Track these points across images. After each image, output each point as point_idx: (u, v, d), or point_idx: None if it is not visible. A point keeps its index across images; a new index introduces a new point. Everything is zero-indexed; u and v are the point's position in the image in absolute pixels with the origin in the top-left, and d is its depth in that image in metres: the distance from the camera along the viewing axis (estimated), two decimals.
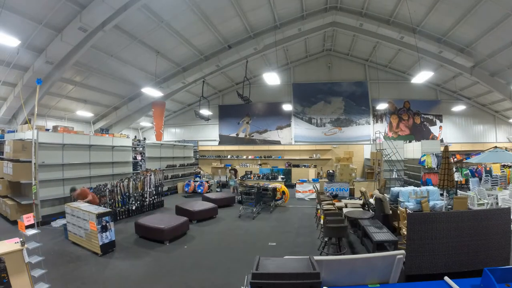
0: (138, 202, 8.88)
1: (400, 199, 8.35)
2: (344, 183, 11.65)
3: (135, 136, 17.30)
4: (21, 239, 3.17)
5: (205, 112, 14.65)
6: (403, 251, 2.15)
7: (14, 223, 6.93)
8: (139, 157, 12.16)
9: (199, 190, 12.52)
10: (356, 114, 17.08)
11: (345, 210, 6.94)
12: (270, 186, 10.33)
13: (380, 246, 4.68)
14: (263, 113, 18.22)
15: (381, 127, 16.70)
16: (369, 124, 16.95)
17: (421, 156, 10.80)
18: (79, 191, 6.74)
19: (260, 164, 17.27)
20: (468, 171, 10.43)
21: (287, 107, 16.43)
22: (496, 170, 9.97)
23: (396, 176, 11.96)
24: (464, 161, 10.53)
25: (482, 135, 16.64)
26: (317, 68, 17.38)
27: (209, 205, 8.49)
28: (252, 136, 18.38)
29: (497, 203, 7.47)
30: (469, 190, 8.78)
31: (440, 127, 16.67)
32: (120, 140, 10.55)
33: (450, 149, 9.64)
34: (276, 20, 11.89)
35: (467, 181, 10.07)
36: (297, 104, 17.62)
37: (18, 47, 8.04)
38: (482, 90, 14.37)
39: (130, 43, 10.52)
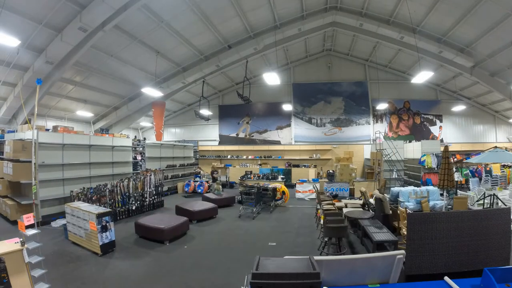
0: (138, 202, 8.88)
1: (400, 199, 8.35)
2: (344, 183, 11.65)
3: (135, 136, 17.30)
4: (21, 239, 3.16)
5: (205, 112, 14.65)
6: (403, 251, 2.15)
7: (14, 223, 6.93)
8: (139, 157, 12.15)
9: (199, 190, 12.52)
10: (356, 114, 17.09)
11: (345, 210, 6.94)
12: (270, 186, 10.33)
13: (380, 246, 4.68)
14: (263, 113, 18.22)
15: (381, 127, 16.71)
16: (369, 124, 16.95)
17: (421, 156, 10.80)
18: None
19: (260, 164, 17.27)
20: (468, 171, 10.44)
21: (287, 107, 16.43)
22: (496, 170, 9.97)
23: (396, 176, 11.95)
24: (464, 161, 10.53)
25: (482, 135, 16.64)
26: (317, 68, 17.38)
27: (209, 205, 8.48)
28: (252, 136, 18.39)
29: (497, 203, 7.46)
30: (469, 190, 8.78)
31: (440, 127, 16.68)
32: (120, 140, 10.55)
33: (450, 149, 9.64)
34: (276, 20, 11.90)
35: (467, 181, 10.07)
36: (297, 104, 17.62)
37: (18, 47, 8.04)
38: (482, 90, 14.38)
39: (130, 43, 10.52)
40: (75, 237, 5.79)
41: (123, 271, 4.69)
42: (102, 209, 5.66)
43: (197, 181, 13.07)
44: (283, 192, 10.33)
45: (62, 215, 6.88)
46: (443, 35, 11.24)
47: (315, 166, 16.49)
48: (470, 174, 10.31)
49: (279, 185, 10.65)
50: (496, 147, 9.14)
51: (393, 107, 16.90)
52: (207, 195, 10.47)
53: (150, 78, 13.13)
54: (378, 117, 17.01)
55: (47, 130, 8.72)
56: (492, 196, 6.73)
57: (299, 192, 12.01)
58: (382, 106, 15.85)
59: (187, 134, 19.62)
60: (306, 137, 17.52)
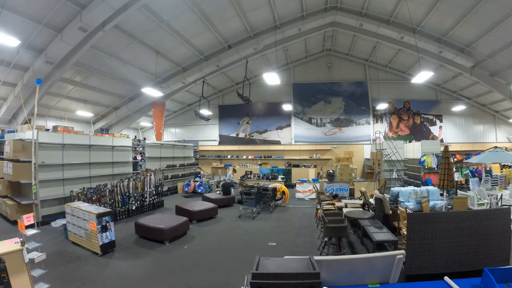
0: (138, 202, 8.88)
1: (400, 199, 8.35)
2: (344, 183, 11.65)
3: (135, 136, 17.30)
4: (21, 239, 3.16)
5: (205, 112, 14.65)
6: (403, 251, 2.15)
7: (14, 223, 6.93)
8: (139, 157, 12.16)
9: (199, 190, 12.53)
10: (356, 114, 17.09)
11: (345, 210, 6.94)
12: (270, 186, 10.33)
13: (380, 246, 4.68)
14: (263, 113, 18.22)
15: (381, 127, 16.70)
16: (369, 124, 16.95)
17: (421, 156, 10.80)
18: None
19: (260, 164, 17.28)
20: (468, 171, 10.44)
21: (287, 107, 16.43)
22: (496, 170, 9.97)
23: (396, 176, 11.96)
24: (464, 161, 10.53)
25: (482, 135, 16.64)
26: (317, 68, 17.38)
27: (209, 205, 8.49)
28: (252, 136, 18.39)
29: (497, 203, 7.47)
30: (469, 190, 8.78)
31: (440, 127, 16.68)
32: (120, 140, 10.55)
33: (450, 149, 9.64)
34: (276, 20, 11.90)
35: (467, 181, 10.07)
36: (297, 104, 17.62)
37: (18, 47, 8.04)
38: (482, 90, 14.38)
39: (130, 43, 10.52)
40: (75, 237, 5.80)
41: (123, 271, 4.69)
42: (102, 209, 5.66)
43: (197, 181, 13.07)
44: (283, 192, 10.33)
45: (62, 215, 6.89)
46: (443, 35, 11.24)
47: (315, 166, 16.49)
48: (470, 174, 10.31)
49: (279, 185, 10.66)
50: (496, 147, 9.15)
51: (393, 107, 16.89)
52: (207, 195, 10.48)
53: (150, 78, 13.13)
54: (378, 117, 17.01)
55: (47, 130, 8.72)
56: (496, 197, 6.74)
57: (299, 192, 12.01)
58: (382, 106, 15.85)
59: (187, 134, 19.62)
60: (306, 137, 17.52)
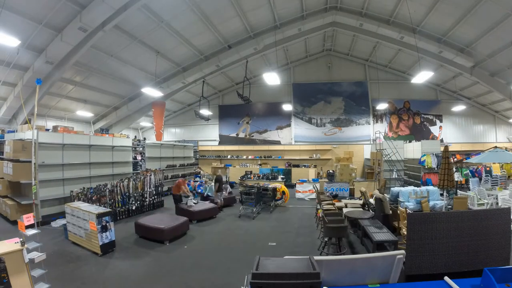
0: (138, 202, 8.88)
1: (400, 199, 8.35)
2: (344, 183, 11.64)
3: (135, 136, 17.30)
4: (21, 239, 3.16)
5: (205, 112, 14.65)
6: (403, 251, 2.15)
7: (14, 223, 6.93)
8: (139, 157, 12.15)
9: (199, 190, 12.51)
10: (356, 114, 17.09)
11: (345, 210, 6.94)
12: (270, 186, 10.33)
13: (380, 246, 4.68)
14: (263, 113, 18.22)
15: (381, 127, 16.70)
16: (369, 124, 16.95)
17: (421, 156, 10.80)
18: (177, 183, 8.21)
19: (260, 164, 17.27)
20: (468, 171, 10.45)
21: (287, 107, 16.43)
22: (496, 170, 9.97)
23: (396, 176, 11.95)
24: (464, 161, 10.53)
25: (482, 135, 16.64)
26: (317, 68, 17.38)
27: (209, 205, 8.49)
28: (252, 136, 18.39)
29: (497, 203, 7.47)
30: (469, 190, 8.78)
31: (440, 127, 16.68)
32: (120, 140, 10.55)
33: (450, 149, 9.64)
34: (276, 20, 11.89)
35: (467, 181, 10.08)
36: (297, 104, 17.62)
37: (18, 47, 8.04)
38: (482, 90, 14.38)
39: (130, 43, 10.52)
40: (75, 237, 5.80)
41: (123, 271, 4.69)
42: (102, 209, 5.66)
43: (197, 181, 13.06)
44: (283, 192, 10.33)
45: (62, 215, 6.88)
46: (443, 35, 11.23)
47: (315, 166, 16.48)
48: (470, 174, 10.32)
49: (279, 185, 10.66)
50: (496, 147, 9.15)
51: (393, 107, 16.89)
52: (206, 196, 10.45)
53: (150, 78, 13.13)
54: (378, 117, 17.01)
55: (47, 130, 8.72)
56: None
57: (299, 192, 12.01)
58: (382, 106, 15.85)
59: (187, 134, 19.62)
60: (306, 137, 17.51)
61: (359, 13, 11.79)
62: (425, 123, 16.73)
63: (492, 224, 2.36)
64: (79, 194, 7.37)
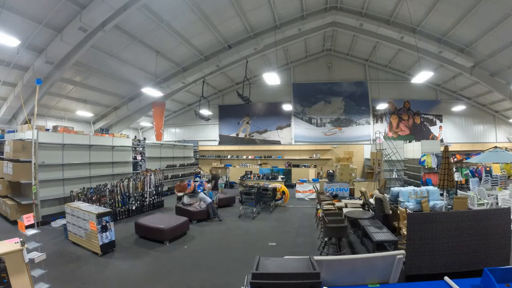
0: (138, 202, 8.88)
1: (400, 199, 8.35)
2: (344, 183, 11.65)
3: (135, 136, 17.31)
4: (21, 239, 3.16)
5: (205, 112, 14.65)
6: (403, 251, 2.15)
7: (14, 223, 6.93)
8: (139, 157, 12.16)
9: (199, 190, 12.50)
10: (356, 114, 17.09)
11: (345, 210, 6.94)
12: (270, 186, 10.33)
13: (380, 246, 4.68)
14: (263, 113, 18.22)
15: (381, 127, 16.70)
16: (369, 124, 16.95)
17: (421, 156, 10.80)
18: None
19: (260, 164, 17.27)
20: (468, 171, 10.45)
21: (287, 107, 16.43)
22: (496, 170, 9.97)
23: (396, 176, 11.96)
24: (464, 161, 10.53)
25: (482, 135, 16.64)
26: (317, 68, 17.38)
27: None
28: (252, 136, 18.39)
29: (497, 203, 7.47)
30: (469, 190, 8.78)
31: (440, 127, 16.68)
32: (120, 140, 10.55)
33: (450, 149, 9.64)
34: (276, 20, 11.89)
35: (467, 181, 10.08)
36: (297, 104, 17.62)
37: (18, 47, 8.04)
38: (482, 90, 14.38)
39: (130, 43, 10.52)
40: (75, 237, 5.80)
41: (123, 271, 4.69)
42: (102, 209, 5.66)
43: (197, 181, 13.07)
44: (283, 192, 10.34)
45: (62, 215, 6.89)
46: (443, 35, 11.23)
47: (315, 166, 16.48)
48: (470, 174, 10.32)
49: (279, 185, 10.66)
50: (496, 147, 9.15)
51: (393, 107, 16.89)
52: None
53: (150, 78, 13.13)
54: (378, 117, 17.01)
55: (47, 130, 8.73)
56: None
57: (299, 192, 12.01)
58: (382, 106, 15.85)
59: (187, 134, 19.62)
60: (306, 137, 17.52)
61: (359, 13, 11.79)
62: (425, 123, 16.73)
63: (492, 224, 2.36)
64: (79, 194, 7.37)
